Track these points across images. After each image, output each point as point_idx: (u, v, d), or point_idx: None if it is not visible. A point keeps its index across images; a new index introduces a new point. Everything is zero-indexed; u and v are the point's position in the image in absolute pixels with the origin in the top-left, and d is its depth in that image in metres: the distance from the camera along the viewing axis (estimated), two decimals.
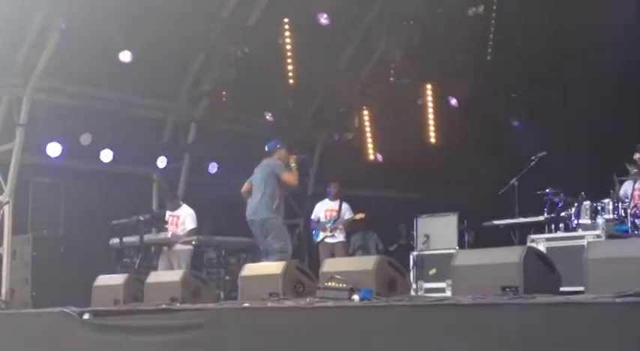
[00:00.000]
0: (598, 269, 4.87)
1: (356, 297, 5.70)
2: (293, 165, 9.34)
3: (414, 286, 10.79)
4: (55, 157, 11.63)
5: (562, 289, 5.68)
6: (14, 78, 11.05)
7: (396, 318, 5.08)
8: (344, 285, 5.88)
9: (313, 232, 12.00)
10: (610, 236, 8.68)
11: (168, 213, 10.81)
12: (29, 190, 11.29)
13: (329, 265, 6.40)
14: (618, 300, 3.86)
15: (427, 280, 10.57)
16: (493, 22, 11.77)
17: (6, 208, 11.00)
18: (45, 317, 7.25)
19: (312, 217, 11.94)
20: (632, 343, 3.90)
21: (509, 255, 5.35)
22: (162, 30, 11.12)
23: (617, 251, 4.96)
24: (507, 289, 5.18)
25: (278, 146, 9.50)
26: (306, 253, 13.67)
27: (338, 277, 5.99)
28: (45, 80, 11.06)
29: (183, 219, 10.60)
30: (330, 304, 5.68)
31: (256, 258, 11.44)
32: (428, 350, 4.79)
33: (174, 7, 10.92)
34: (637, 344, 3.84)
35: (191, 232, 10.41)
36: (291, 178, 9.27)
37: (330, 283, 6.00)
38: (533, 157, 10.05)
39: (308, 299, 6.10)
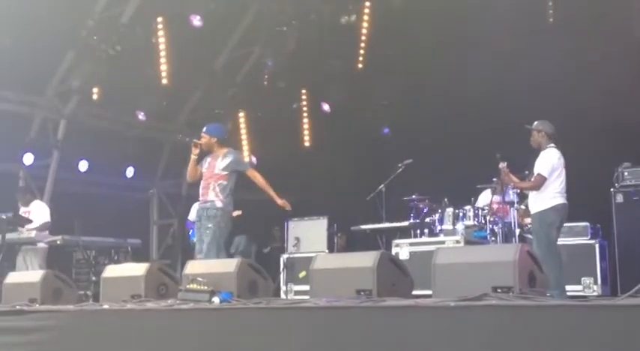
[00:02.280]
0: (444, 274, 5.14)
1: (216, 299, 5.79)
2: (192, 156, 8.28)
3: (284, 288, 10.95)
4: None
5: (418, 292, 5.95)
6: None
7: (254, 320, 5.20)
8: (205, 287, 5.94)
9: (190, 232, 11.92)
10: (468, 242, 9.10)
11: (21, 209, 10.48)
12: None
13: (191, 267, 6.44)
14: (452, 304, 4.11)
15: (297, 283, 10.72)
16: (364, 31, 12.08)
17: None
18: None
19: (189, 217, 11.85)
20: (466, 342, 4.18)
21: (365, 260, 5.55)
22: (31, 22, 10.78)
23: (462, 257, 5.25)
24: (362, 293, 5.38)
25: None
26: (179, 254, 13.59)
27: (200, 279, 6.04)
28: None
29: (34, 214, 10.32)
30: (190, 306, 5.73)
31: (128, 258, 11.34)
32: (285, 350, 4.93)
33: (44, 2, 10.63)
34: (471, 343, 4.11)
35: (42, 226, 10.14)
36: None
37: (191, 285, 6.05)
38: (400, 164, 10.34)
39: (169, 301, 6.13)
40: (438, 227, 9.61)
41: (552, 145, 7.93)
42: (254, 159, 14.61)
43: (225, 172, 8.04)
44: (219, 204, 7.90)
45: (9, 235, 10.22)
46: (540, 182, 7.73)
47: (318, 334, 4.82)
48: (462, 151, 11.49)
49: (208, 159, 8.14)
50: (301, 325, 4.92)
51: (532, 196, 7.92)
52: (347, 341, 4.63)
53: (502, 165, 8.20)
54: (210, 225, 7.84)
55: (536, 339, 4.12)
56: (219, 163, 8.06)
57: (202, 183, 8.04)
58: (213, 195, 7.92)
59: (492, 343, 4.18)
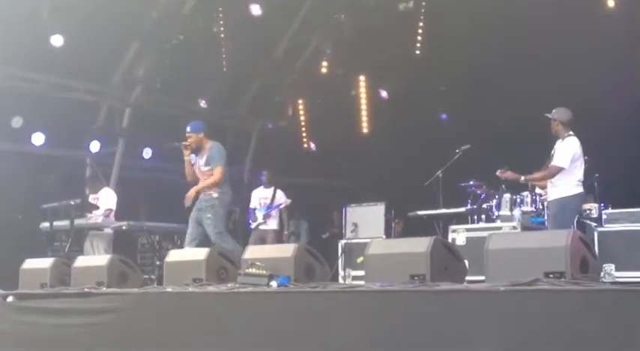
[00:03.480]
0: (497, 259, 5.20)
1: (274, 283, 5.96)
2: (184, 158, 8.76)
3: (342, 273, 11.08)
4: None
5: (475, 278, 6.02)
6: None
7: (310, 303, 5.35)
8: (264, 271, 6.12)
9: (249, 219, 12.13)
10: (525, 228, 9.09)
11: (90, 196, 10.82)
12: None
13: (250, 252, 6.62)
14: (502, 289, 4.19)
15: (354, 268, 10.81)
16: (422, 17, 12.08)
17: None
18: None
19: (251, 205, 12.05)
20: (517, 327, 4.25)
21: (418, 245, 5.64)
22: (96, 14, 11.11)
23: (514, 243, 5.30)
24: (415, 278, 5.48)
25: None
26: (241, 239, 13.83)
27: (258, 263, 6.22)
28: None
29: (102, 201, 10.66)
30: (249, 289, 5.91)
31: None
32: (338, 334, 5.07)
33: None
34: (522, 328, 4.18)
35: (105, 213, 10.47)
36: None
37: (250, 270, 6.23)
38: (457, 150, 10.36)
39: (229, 285, 6.33)
40: (495, 213, 9.61)
41: (571, 133, 7.89)
42: (313, 145, 14.81)
43: (208, 168, 8.33)
44: (215, 194, 8.25)
45: (77, 221, 10.61)
46: (555, 172, 7.72)
47: (372, 317, 4.93)
48: (519, 137, 11.43)
49: (196, 157, 8.49)
50: (356, 309, 5.05)
51: (554, 181, 7.87)
52: (400, 324, 4.74)
53: (499, 173, 8.28)
54: (209, 215, 8.19)
55: (587, 324, 4.15)
56: (200, 161, 8.42)
57: (198, 182, 8.41)
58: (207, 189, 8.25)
59: (543, 327, 4.24)
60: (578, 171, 7.74)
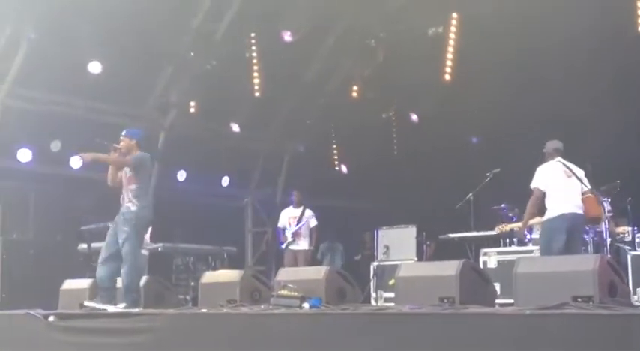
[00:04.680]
0: (525, 283, 5.29)
1: (306, 305, 6.10)
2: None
3: (374, 295, 11.16)
4: (26, 163, 11.85)
5: (506, 300, 6.11)
6: None
7: (341, 325, 5.47)
8: (296, 293, 6.26)
9: (279, 239, 12.25)
10: None
11: None
12: None
13: (283, 274, 6.78)
14: (527, 312, 4.28)
15: (387, 290, 10.88)
16: (451, 42, 12.21)
17: None
18: (12, 319, 7.53)
19: (279, 224, 12.18)
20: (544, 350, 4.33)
21: (447, 268, 5.76)
22: (131, 40, 11.41)
23: (543, 266, 5.39)
24: (445, 300, 5.59)
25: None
26: (272, 261, 13.97)
27: (291, 285, 6.37)
28: (17, 87, 11.30)
29: None
30: (282, 311, 6.05)
31: (224, 265, 11.81)
32: None
33: (143, 19, 11.22)
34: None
35: None
36: None
37: (283, 291, 6.38)
38: (488, 173, 10.42)
39: (262, 306, 6.48)
40: (527, 236, 9.65)
41: (553, 161, 8.07)
42: (344, 168, 14.95)
43: (131, 174, 7.82)
44: (133, 208, 7.71)
45: None
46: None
47: (402, 339, 5.04)
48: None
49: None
50: (386, 331, 5.16)
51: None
52: (428, 347, 4.84)
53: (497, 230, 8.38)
54: (125, 228, 7.65)
55: (615, 349, 4.19)
56: (127, 168, 7.91)
57: (123, 190, 7.86)
58: (127, 200, 7.75)
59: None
60: (554, 194, 7.85)
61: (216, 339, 5.87)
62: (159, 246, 10.66)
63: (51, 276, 9.64)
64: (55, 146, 11.93)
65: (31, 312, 6.81)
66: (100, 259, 7.72)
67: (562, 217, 7.71)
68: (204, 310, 6.46)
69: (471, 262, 6.17)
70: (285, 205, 12.42)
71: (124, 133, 8.07)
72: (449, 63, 12.34)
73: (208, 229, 12.45)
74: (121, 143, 7.92)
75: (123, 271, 7.47)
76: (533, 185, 7.99)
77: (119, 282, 7.60)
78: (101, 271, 7.63)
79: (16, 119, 11.39)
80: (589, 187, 7.95)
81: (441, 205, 11.68)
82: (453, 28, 12.11)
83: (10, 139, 11.48)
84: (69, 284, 8.75)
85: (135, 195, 7.70)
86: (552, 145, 8.26)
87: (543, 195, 7.89)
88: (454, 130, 13.12)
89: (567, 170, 7.98)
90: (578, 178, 7.94)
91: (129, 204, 7.69)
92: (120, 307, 7.21)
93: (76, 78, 11.49)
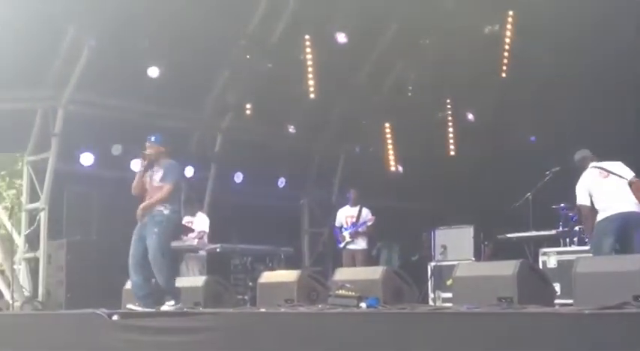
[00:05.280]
0: (585, 283, 5.24)
1: (363, 305, 6.14)
2: (141, 168, 8.18)
3: (431, 295, 11.13)
4: (88, 166, 12.14)
5: (565, 301, 6.05)
6: (49, 90, 11.55)
7: (398, 325, 5.49)
8: (353, 293, 6.31)
9: (337, 239, 12.30)
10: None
11: (187, 218, 11.16)
12: (63, 198, 11.75)
13: (340, 274, 6.83)
14: (587, 312, 4.25)
15: (444, 290, 10.84)
16: (508, 40, 12.11)
17: (42, 214, 11.45)
18: (78, 318, 7.74)
19: (336, 223, 12.22)
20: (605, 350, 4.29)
21: (505, 268, 5.74)
22: (188, 45, 11.60)
23: (602, 266, 5.33)
24: (503, 300, 5.56)
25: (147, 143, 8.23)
26: (330, 261, 14.02)
27: (348, 285, 6.42)
28: (78, 92, 11.58)
29: (197, 224, 11.01)
30: (339, 310, 6.10)
31: (281, 265, 11.92)
32: None
33: (199, 23, 11.40)
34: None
35: (198, 235, 10.79)
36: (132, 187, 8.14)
37: (340, 291, 6.44)
38: (547, 172, 10.31)
39: (320, 306, 6.54)
40: (588, 236, 9.51)
41: (586, 170, 8.03)
42: (400, 168, 14.93)
43: (161, 184, 7.84)
44: (165, 211, 7.74)
45: (173, 243, 11.02)
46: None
47: (459, 339, 5.04)
48: (610, 157, 11.27)
49: (150, 172, 7.96)
50: (443, 331, 5.16)
51: None
52: (486, 347, 4.83)
53: None
54: (155, 229, 7.66)
55: None
56: (155, 175, 7.91)
57: (147, 198, 7.84)
58: (157, 206, 7.75)
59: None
60: (598, 199, 7.82)
61: (275, 338, 5.94)
62: (217, 247, 10.82)
63: (113, 276, 9.85)
64: (116, 150, 12.18)
65: (97, 311, 6.99)
66: (131, 268, 7.72)
67: (607, 220, 7.64)
68: (262, 310, 6.55)
69: (530, 262, 6.14)
70: (342, 205, 12.46)
71: (152, 139, 8.08)
72: (505, 61, 12.23)
73: (265, 229, 12.57)
74: (149, 150, 7.99)
75: (155, 272, 7.57)
76: (577, 203, 8.01)
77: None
78: (136, 278, 7.71)
79: (78, 124, 11.66)
80: (630, 176, 7.79)
81: (499, 204, 11.58)
82: (509, 26, 12.00)
83: (72, 143, 11.77)
84: (130, 284, 8.94)
85: (167, 201, 7.78)
86: (579, 155, 8.29)
87: (590, 208, 7.83)
88: (511, 128, 13.00)
89: (602, 171, 7.86)
90: (615, 173, 7.80)
91: (161, 208, 7.74)
92: (170, 305, 7.35)
93: (135, 83, 11.74)
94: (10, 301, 10.72)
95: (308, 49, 12.45)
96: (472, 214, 12.00)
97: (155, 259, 7.56)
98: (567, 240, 9.83)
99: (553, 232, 9.94)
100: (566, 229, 9.85)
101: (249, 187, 13.69)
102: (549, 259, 9.46)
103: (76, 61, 11.22)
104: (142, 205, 7.75)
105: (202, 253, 10.84)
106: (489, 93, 13.00)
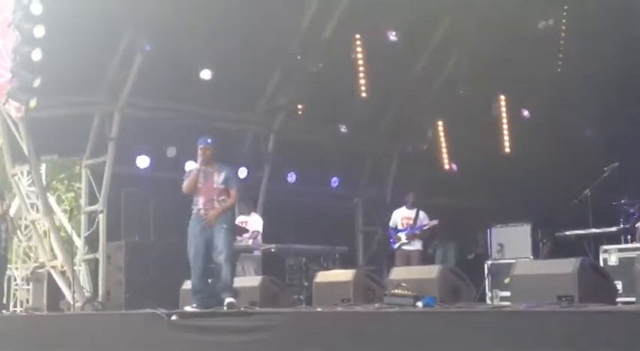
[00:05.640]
0: None
1: (420, 304, 6.10)
2: (197, 167, 8.17)
3: (488, 294, 11.01)
4: (144, 169, 12.33)
5: (626, 299, 5.93)
6: (105, 95, 11.78)
7: (456, 324, 5.44)
8: (409, 292, 6.28)
9: (391, 239, 12.28)
10: None
11: (241, 217, 11.21)
12: (121, 200, 11.96)
13: (396, 273, 6.80)
14: None
15: (502, 289, 10.72)
16: (563, 34, 11.91)
17: (100, 216, 11.68)
18: (137, 318, 7.86)
19: (390, 224, 12.19)
20: None
21: (565, 266, 5.64)
22: (240, 46, 11.70)
23: None
24: (563, 299, 5.47)
25: (200, 145, 8.22)
26: (384, 260, 13.98)
27: (404, 284, 6.39)
28: (133, 96, 11.77)
29: (250, 224, 11.05)
30: (396, 309, 6.07)
31: (336, 264, 11.93)
32: None
33: (251, 24, 11.48)
34: None
35: (252, 235, 10.83)
36: (182, 184, 8.17)
37: (396, 291, 6.41)
38: (605, 168, 10.11)
39: (376, 305, 6.52)
40: None
41: None
42: (454, 166, 14.81)
43: (223, 186, 7.96)
44: (229, 213, 7.99)
45: None
46: None
47: (518, 338, 4.97)
48: None
49: (202, 173, 8.00)
50: (502, 330, 5.10)
51: None
52: (547, 345, 4.75)
53: None
54: (224, 225, 7.78)
55: None
56: (214, 177, 7.98)
57: (202, 198, 7.90)
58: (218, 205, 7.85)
59: None
60: None
61: (332, 337, 5.95)
62: (272, 247, 10.88)
63: (171, 276, 9.97)
64: (171, 152, 12.35)
65: (156, 311, 7.08)
66: (197, 270, 7.75)
67: None
68: (319, 309, 6.56)
69: (590, 260, 6.03)
70: (396, 205, 12.42)
71: (208, 141, 8.17)
72: (560, 56, 12.04)
73: (319, 229, 12.58)
74: (207, 152, 8.08)
75: (225, 268, 7.61)
76: None
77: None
78: (198, 279, 7.76)
79: (134, 128, 11.86)
80: None
81: (556, 201, 11.42)
82: (564, 20, 11.80)
83: (128, 146, 11.97)
84: (189, 284, 9.03)
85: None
86: None
87: None
88: (568, 124, 12.79)
89: None
90: None
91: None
92: (230, 301, 7.37)
93: (189, 85, 11.89)
94: (72, 302, 10.93)
95: (359, 48, 12.43)
96: (529, 212, 11.82)
97: (225, 258, 7.65)
98: (629, 237, 9.60)
99: (614, 229, 9.73)
100: (627, 225, 9.62)
101: (302, 187, 13.73)
102: (610, 256, 9.25)
103: (130, 65, 11.42)
104: (214, 213, 7.81)
105: (257, 253, 10.89)
106: (545, 88, 12.80)
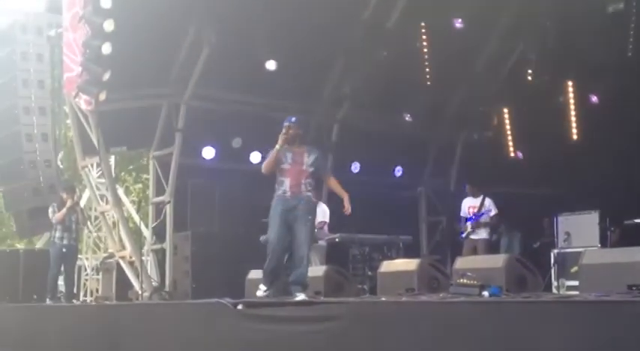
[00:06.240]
0: None
1: (486, 293, 6.05)
2: (277, 146, 7.67)
3: (555, 283, 10.86)
4: (210, 160, 12.51)
5: None
6: (172, 87, 11.97)
7: (523, 314, 5.37)
8: (475, 282, 6.23)
9: (461, 229, 12.23)
10: None
11: None
12: (187, 191, 12.15)
13: (461, 263, 6.76)
14: None
15: (569, 278, 10.55)
16: (633, 18, 11.58)
17: (168, 207, 11.90)
18: (203, 307, 7.97)
19: (461, 213, 12.15)
20: None
21: (636, 255, 5.52)
22: (304, 37, 11.73)
23: None
24: (634, 288, 5.36)
25: (285, 123, 7.77)
26: (448, 250, 13.90)
27: (469, 274, 6.34)
28: (199, 88, 11.93)
29: (318, 213, 11.04)
30: (461, 299, 6.03)
31: (399, 254, 11.89)
32: (552, 345, 5.05)
33: (314, 14, 11.50)
34: None
35: (319, 225, 10.83)
36: (263, 165, 7.86)
37: (461, 280, 6.37)
38: None
39: (441, 294, 6.49)
40: None
41: None
42: (520, 154, 14.60)
43: (312, 169, 7.69)
44: (313, 199, 7.74)
45: None
46: None
47: (588, 329, 4.88)
48: None
49: (289, 153, 7.63)
50: (571, 320, 5.01)
51: None
52: (617, 336, 4.66)
53: None
54: (310, 217, 7.60)
55: None
56: (304, 158, 7.66)
57: (289, 179, 7.59)
58: (305, 190, 7.61)
59: None
60: None
61: (397, 327, 5.93)
62: (336, 236, 10.91)
63: (236, 266, 10.10)
64: (236, 143, 12.50)
65: (221, 301, 7.19)
66: (277, 253, 7.57)
67: None
68: (383, 299, 6.56)
69: None
70: (460, 193, 12.36)
71: (293, 119, 7.82)
72: (631, 40, 11.71)
73: (383, 219, 12.58)
74: (291, 131, 7.65)
75: (305, 262, 7.50)
76: None
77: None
78: (279, 261, 7.61)
79: (200, 119, 12.03)
80: None
81: (625, 189, 11.19)
82: (634, 3, 11.47)
83: (195, 138, 12.16)
84: (254, 274, 9.15)
85: (312, 187, 7.74)
86: None
87: None
88: (637, 109, 12.46)
89: None
90: None
91: (309, 193, 7.68)
92: (301, 298, 7.24)
93: (254, 77, 11.99)
94: (140, 291, 11.16)
95: (424, 36, 12.33)
96: (597, 200, 11.58)
97: (306, 246, 7.50)
98: None
99: None
100: None
101: (366, 176, 13.73)
102: None
103: (197, 57, 11.57)
104: (348, 197, 7.76)
105: (322, 243, 10.94)
106: (614, 74, 12.48)
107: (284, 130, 7.58)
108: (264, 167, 7.75)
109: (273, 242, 7.58)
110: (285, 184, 7.60)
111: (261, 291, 7.63)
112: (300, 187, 7.60)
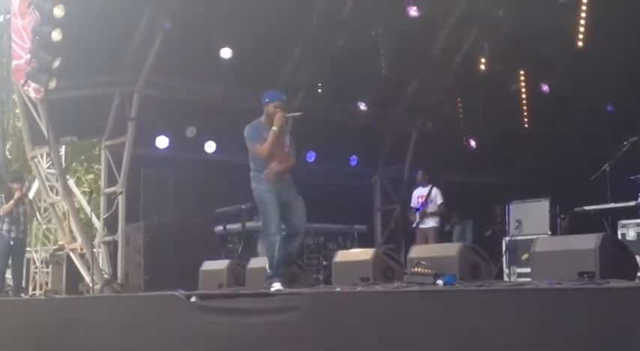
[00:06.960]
0: None
1: (440, 282, 6.08)
2: (274, 128, 7.07)
3: (506, 270, 11.00)
4: (163, 149, 12.36)
5: None
6: (124, 75, 11.77)
7: (476, 302, 5.41)
8: (429, 270, 6.25)
9: (411, 218, 12.32)
10: None
11: None
12: (140, 181, 11.97)
13: (416, 252, 6.78)
14: None
15: (520, 265, 10.71)
16: (584, 8, 11.75)
17: (120, 197, 11.72)
18: (157, 300, 7.89)
19: (411, 204, 12.27)
20: None
21: (586, 242, 5.59)
22: (260, 25, 11.64)
23: None
24: (584, 275, 5.43)
25: (266, 100, 7.24)
26: (402, 239, 13.99)
27: (424, 262, 6.37)
28: (153, 77, 11.76)
29: None
30: (416, 288, 6.05)
31: (354, 243, 11.93)
32: (505, 333, 5.10)
33: (271, 3, 11.41)
34: None
35: None
36: (258, 149, 7.19)
37: (416, 269, 6.39)
38: (625, 142, 10.05)
39: (396, 284, 6.51)
40: None
41: None
42: (472, 142, 14.74)
43: (287, 150, 7.40)
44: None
45: (248, 224, 11.16)
46: None
47: (540, 316, 4.93)
48: None
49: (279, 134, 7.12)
50: (523, 308, 5.06)
51: None
52: (569, 324, 4.71)
53: None
54: (300, 197, 7.41)
55: None
56: (285, 139, 7.35)
57: (276, 163, 7.21)
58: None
59: None
60: None
61: (352, 317, 5.94)
62: None
63: (190, 258, 9.99)
64: (191, 132, 12.37)
65: (175, 293, 7.10)
66: (282, 241, 7.15)
67: None
68: (338, 289, 6.55)
69: (611, 236, 5.99)
70: (414, 182, 12.44)
71: (284, 97, 7.52)
72: (582, 30, 11.88)
73: (337, 208, 12.58)
74: (283, 110, 7.27)
75: (301, 237, 7.39)
76: None
77: None
78: (283, 245, 7.16)
79: (153, 108, 11.86)
80: None
81: (575, 176, 11.35)
82: None
83: (148, 127, 11.98)
84: (207, 266, 9.08)
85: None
86: None
87: None
88: (587, 98, 12.68)
89: None
90: None
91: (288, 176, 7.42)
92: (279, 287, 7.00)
93: (208, 64, 11.85)
94: (91, 284, 10.99)
95: (379, 25, 12.32)
96: (548, 187, 11.77)
97: (305, 218, 7.41)
98: None
99: (632, 203, 9.67)
100: None
101: (321, 165, 13.73)
102: (628, 231, 9.21)
103: (150, 45, 11.39)
104: (281, 169, 7.21)
105: None
106: (564, 64, 12.67)
107: (279, 109, 7.13)
108: (266, 151, 7.13)
109: (274, 234, 7.17)
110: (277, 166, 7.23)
111: (278, 285, 7.00)
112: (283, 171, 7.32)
